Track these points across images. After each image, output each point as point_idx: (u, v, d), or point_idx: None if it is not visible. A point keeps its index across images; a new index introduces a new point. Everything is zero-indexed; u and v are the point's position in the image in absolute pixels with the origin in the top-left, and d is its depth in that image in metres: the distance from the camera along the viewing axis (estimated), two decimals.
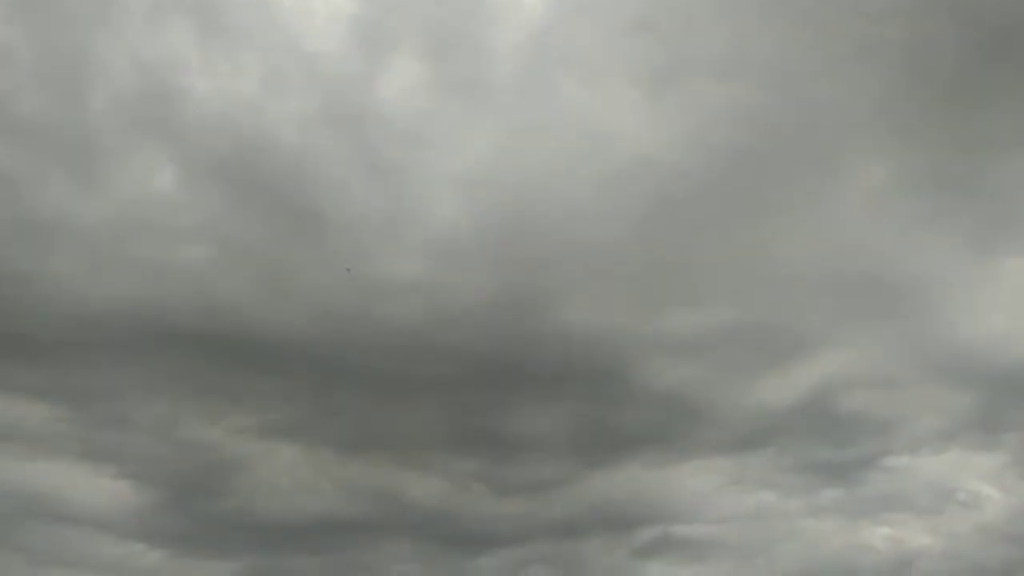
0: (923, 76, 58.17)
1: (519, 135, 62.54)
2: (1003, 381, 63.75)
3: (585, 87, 61.40)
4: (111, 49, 59.96)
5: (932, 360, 66.33)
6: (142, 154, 59.84)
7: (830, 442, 69.25)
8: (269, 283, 63.79)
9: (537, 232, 65.81)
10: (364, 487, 68.97)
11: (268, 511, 64.63)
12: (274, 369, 65.32)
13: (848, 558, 65.00)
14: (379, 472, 70.49)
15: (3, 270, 54.36)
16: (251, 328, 61.13)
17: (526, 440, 70.06)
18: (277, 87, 58.05)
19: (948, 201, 63.01)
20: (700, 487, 69.94)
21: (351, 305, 64.29)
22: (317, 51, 58.97)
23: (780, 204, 68.06)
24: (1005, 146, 56.87)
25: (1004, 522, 62.18)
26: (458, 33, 62.75)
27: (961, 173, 60.31)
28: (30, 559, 61.74)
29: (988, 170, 59.74)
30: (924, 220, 65.47)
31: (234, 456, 66.61)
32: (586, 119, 61.56)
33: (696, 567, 68.55)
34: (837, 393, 67.89)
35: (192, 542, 66.32)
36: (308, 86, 58.85)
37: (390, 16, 61.21)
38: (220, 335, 61.40)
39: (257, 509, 64.94)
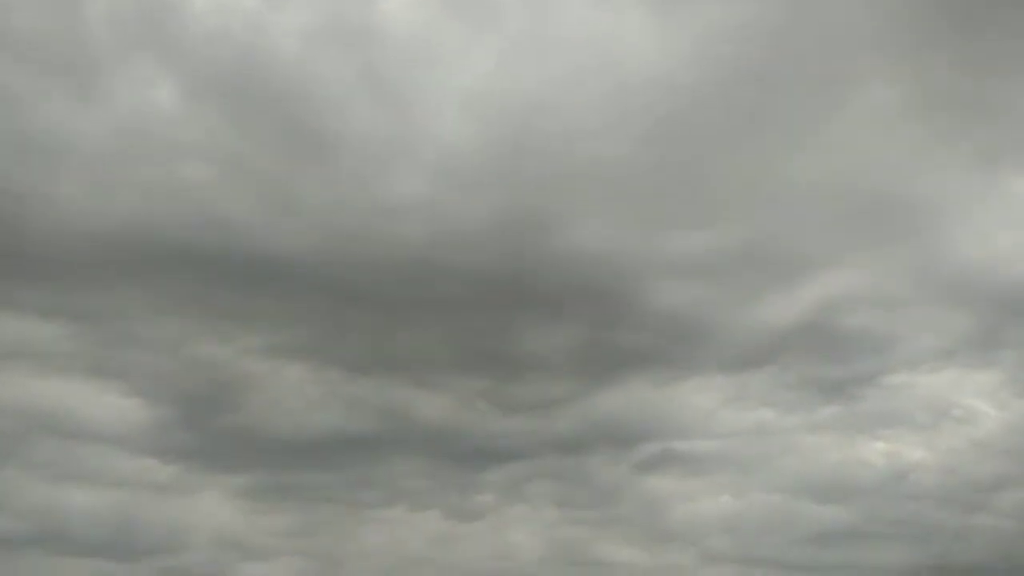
0: None
1: (525, 52, 61.46)
2: (1004, 300, 64.41)
3: (592, 3, 60.30)
4: None
5: (934, 279, 66.83)
6: (141, 69, 58.81)
7: (830, 360, 70.23)
8: (273, 202, 63.50)
9: (543, 151, 65.31)
10: (372, 405, 70.03)
11: (278, 428, 65.74)
12: (281, 290, 65.61)
13: (844, 472, 66.62)
14: (387, 391, 71.46)
15: (8, 189, 54.16)
16: (257, 248, 61.16)
17: (531, 359, 70.90)
18: (279, 1, 56.97)
19: (956, 121, 62.47)
20: (701, 404, 71.18)
21: (357, 225, 64.21)
22: None
23: (787, 123, 67.48)
24: (1014, 67, 56.22)
25: (998, 438, 63.65)
26: None
27: (969, 93, 59.72)
28: (43, 475, 62.98)
29: (997, 90, 59.13)
30: (931, 140, 65.02)
31: (243, 375, 67.39)
32: (593, 36, 60.54)
33: (696, 481, 70.25)
34: (839, 312, 68.56)
35: (204, 458, 67.60)
36: (310, 0, 57.79)
37: None
38: (225, 255, 61.46)
39: (267, 426, 66.04)
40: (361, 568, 64.81)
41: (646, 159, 59.40)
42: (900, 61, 60.61)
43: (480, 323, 65.74)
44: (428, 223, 59.36)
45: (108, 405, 63.16)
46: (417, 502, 71.06)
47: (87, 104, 59.31)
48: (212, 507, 66.48)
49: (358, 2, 57.15)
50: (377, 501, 67.96)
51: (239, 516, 67.35)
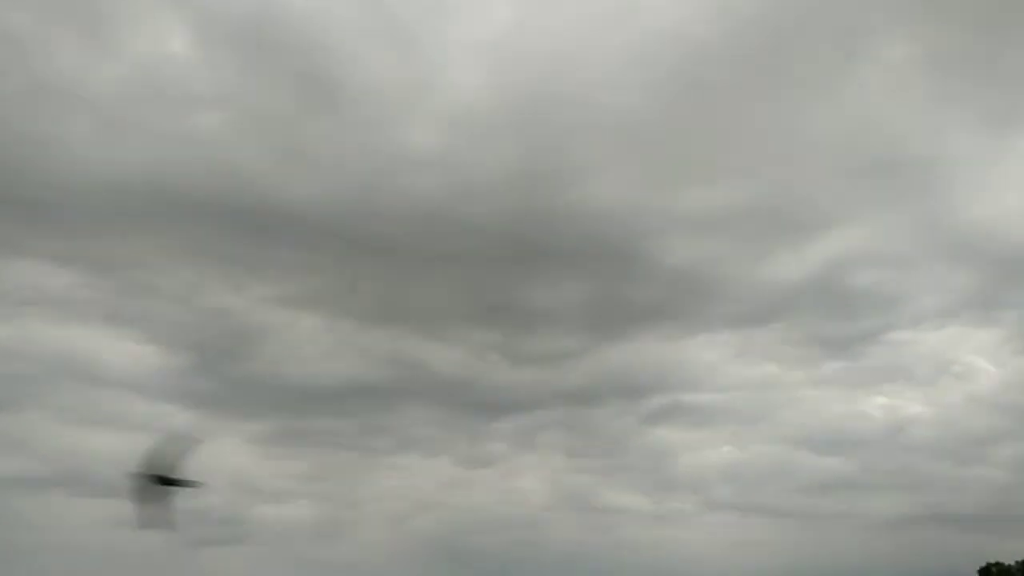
0: None
1: (542, 5, 61.16)
2: (1009, 260, 65.36)
3: None
4: None
5: (941, 238, 67.69)
6: (155, 18, 58.27)
7: (835, 317, 71.41)
8: (287, 152, 63.62)
9: (558, 105, 65.18)
10: (385, 355, 71.05)
11: (294, 376, 66.71)
12: (295, 240, 66.03)
13: (844, 425, 68.20)
14: (400, 341, 72.41)
15: (19, 134, 53.96)
16: (271, 198, 61.42)
17: (542, 313, 71.87)
18: None
19: (967, 81, 62.56)
20: (708, 359, 72.47)
21: (370, 176, 64.40)
22: None
23: (802, 80, 67.39)
24: None
25: (994, 394, 65.19)
26: None
27: (982, 54, 59.76)
28: (63, 418, 63.81)
29: (1009, 53, 59.13)
30: (943, 99, 65.18)
31: (258, 324, 68.12)
32: None
33: (701, 432, 71.83)
34: (846, 270, 69.52)
35: (221, 404, 68.52)
36: None
37: None
38: (240, 205, 61.72)
39: (283, 374, 66.98)
40: (374, 512, 66.09)
41: (661, 114, 59.54)
42: (914, 21, 60.26)
43: (492, 276, 66.36)
44: (442, 175, 59.56)
45: (125, 352, 63.67)
46: (429, 449, 72.15)
47: (100, 52, 58.49)
48: (229, 451, 67.19)
49: None
50: (390, 448, 69.07)
51: (255, 461, 68.17)
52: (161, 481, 17.49)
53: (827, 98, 72.26)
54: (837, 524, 68.80)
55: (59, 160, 62.51)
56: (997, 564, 31.85)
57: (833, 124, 67.74)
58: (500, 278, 71.38)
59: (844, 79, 70.52)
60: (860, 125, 67.19)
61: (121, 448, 64.94)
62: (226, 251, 70.17)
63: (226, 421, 76.32)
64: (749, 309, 71.58)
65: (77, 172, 62.88)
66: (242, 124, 61.35)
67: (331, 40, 65.60)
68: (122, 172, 63.50)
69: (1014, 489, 63.38)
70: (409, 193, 61.30)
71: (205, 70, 67.62)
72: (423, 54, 70.31)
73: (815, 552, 66.23)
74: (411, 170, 61.93)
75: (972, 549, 60.71)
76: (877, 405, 72.77)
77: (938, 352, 70.27)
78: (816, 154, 63.81)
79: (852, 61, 64.95)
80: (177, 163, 62.00)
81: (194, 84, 69.04)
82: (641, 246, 65.35)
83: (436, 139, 61.74)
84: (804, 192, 64.74)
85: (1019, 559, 31.80)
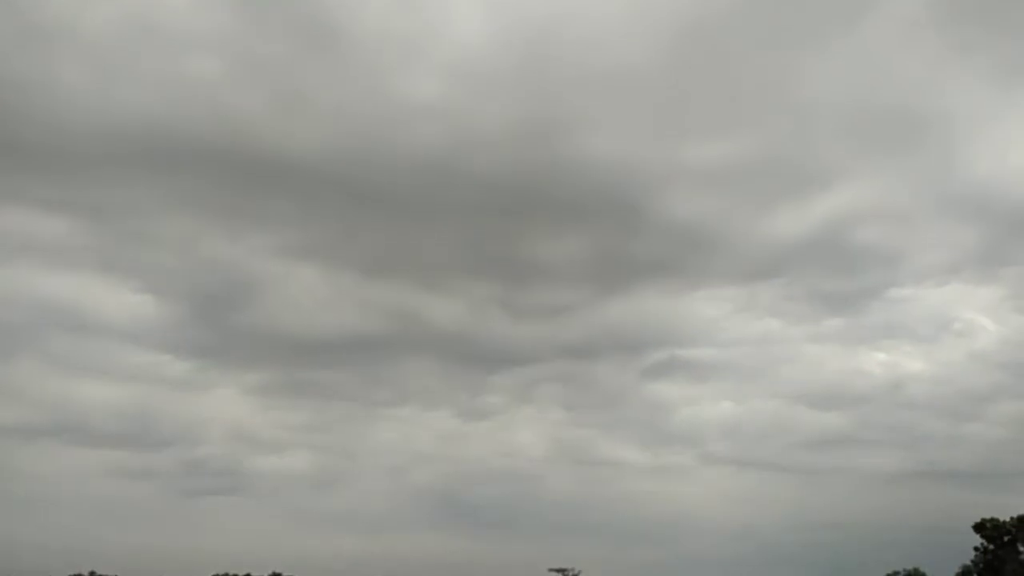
0: None
1: None
2: (1013, 217, 64.96)
3: None
4: None
5: (946, 194, 67.15)
6: None
7: (838, 273, 71.11)
8: (284, 100, 62.79)
9: (561, 56, 64.25)
10: (385, 307, 71.02)
11: (292, 328, 66.80)
12: (292, 189, 65.56)
13: (843, 381, 68.35)
14: (399, 293, 72.33)
15: (10, 79, 53.03)
16: (267, 146, 60.78)
17: (543, 266, 71.70)
18: None
19: (975, 35, 61.45)
20: (709, 314, 72.41)
21: (370, 127, 63.69)
22: None
23: (811, 32, 66.30)
24: None
25: (994, 351, 65.16)
26: None
27: (991, 7, 58.59)
28: (58, 367, 63.95)
29: (1017, 6, 57.91)
30: (950, 53, 64.15)
31: (256, 274, 67.99)
32: None
33: (700, 387, 72.00)
34: (850, 226, 69.09)
35: (217, 355, 68.81)
36: None
37: None
38: (236, 152, 61.14)
39: (281, 325, 67.08)
40: (373, 463, 66.51)
41: (665, 66, 58.64)
42: None
43: (493, 228, 65.99)
44: (442, 126, 58.84)
45: (120, 301, 63.47)
46: (428, 401, 72.37)
47: None
48: (226, 402, 67.53)
49: None
50: (389, 400, 69.30)
51: (253, 411, 68.48)
52: None
53: (833, 52, 71.19)
54: (834, 479, 69.38)
55: (52, 105, 61.66)
56: (992, 520, 31.77)
57: (842, 77, 66.85)
58: (501, 231, 71.06)
59: (851, 32, 69.45)
60: (866, 79, 66.31)
61: (117, 398, 65.26)
62: (223, 200, 69.70)
63: (223, 372, 76.62)
64: (751, 264, 71.36)
65: (70, 117, 62.08)
66: (238, 70, 60.46)
67: None
68: (116, 118, 62.72)
69: (1011, 446, 63.62)
70: (410, 144, 60.67)
71: (200, 13, 66.42)
72: (426, 2, 69.28)
73: (812, 507, 66.80)
74: (412, 120, 61.22)
75: (968, 505, 61.37)
76: (877, 361, 72.82)
77: (939, 309, 70.17)
78: (820, 108, 63.08)
79: (860, 14, 63.95)
80: (172, 109, 61.22)
81: (189, 27, 68.00)
82: (643, 200, 64.94)
83: (437, 89, 60.96)
84: (808, 146, 64.20)
85: (1015, 515, 31.90)
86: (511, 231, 67.07)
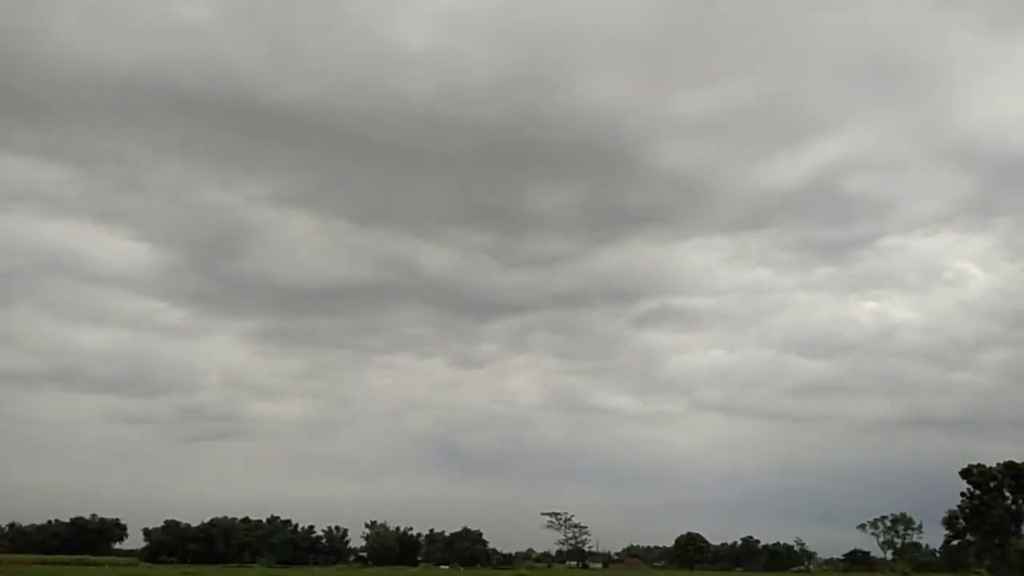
0: None
1: None
2: (1005, 166, 65.07)
3: None
4: None
5: (939, 142, 67.02)
6: None
7: (830, 222, 71.43)
8: (276, 48, 61.90)
9: (554, 4, 63.08)
10: (378, 256, 71.11)
11: (286, 276, 66.90)
12: (285, 137, 65.03)
13: (833, 330, 69.06)
14: (392, 242, 72.42)
15: (3, 27, 52.18)
16: (261, 94, 60.12)
17: (535, 216, 71.66)
18: None
19: None
20: (700, 263, 72.81)
21: (362, 75, 62.96)
22: None
23: None
24: None
25: (983, 300, 65.81)
26: None
27: None
28: (56, 314, 64.18)
29: None
30: (947, 2, 63.09)
31: (249, 222, 67.86)
32: None
33: (691, 336, 72.71)
34: (842, 174, 69.06)
35: (213, 302, 69.07)
36: None
37: None
38: (228, 100, 60.47)
39: (276, 273, 67.18)
40: (367, 410, 67.24)
41: (657, 14, 57.83)
42: None
43: (486, 178, 65.79)
44: (435, 75, 58.24)
45: (116, 249, 63.40)
46: (422, 350, 72.83)
47: None
48: (222, 349, 67.91)
49: None
50: (383, 347, 69.76)
51: (249, 358, 68.96)
52: None
53: (826, 0, 70.50)
54: (823, 426, 70.53)
55: (44, 53, 60.67)
56: (979, 466, 32.43)
57: (835, 24, 66.07)
58: (493, 180, 70.81)
59: None
60: (859, 26, 65.43)
61: (115, 345, 65.53)
62: (216, 147, 69.14)
63: (218, 319, 77.05)
64: (743, 213, 71.50)
65: (62, 66, 61.20)
66: (229, 17, 59.49)
67: None
68: (108, 66, 61.80)
69: (998, 394, 64.57)
70: (402, 92, 60.04)
71: None
72: None
73: (801, 453, 68.08)
74: (404, 69, 60.49)
75: (955, 452, 62.84)
76: (867, 310, 73.55)
77: (930, 258, 70.65)
78: (814, 57, 62.36)
79: None
80: (165, 57, 60.35)
81: None
82: (635, 148, 64.54)
83: (429, 38, 60.14)
84: (801, 95, 63.66)
85: (1000, 461, 32.58)
86: (503, 180, 66.92)
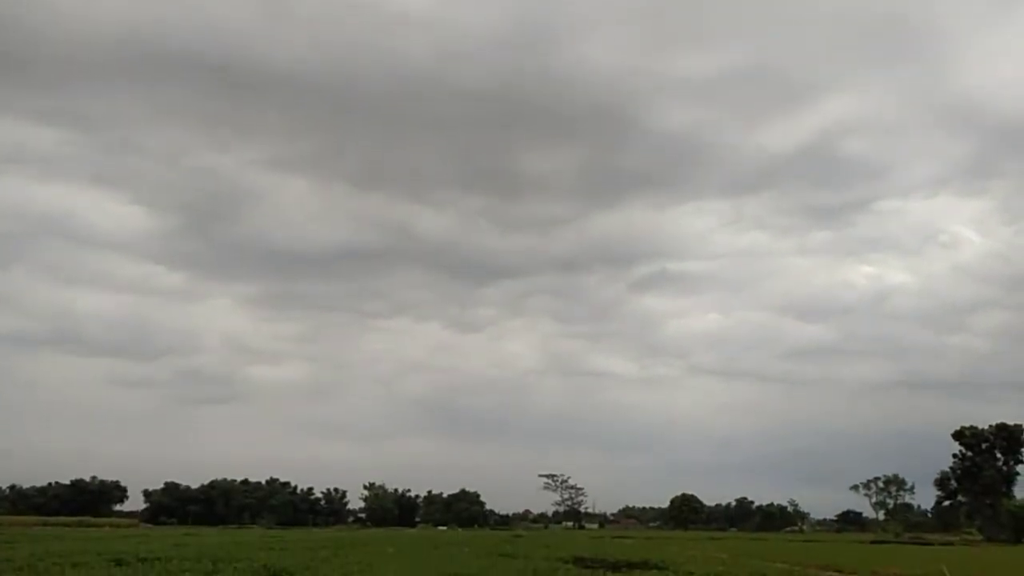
0: None
1: None
2: (1003, 128, 64.70)
3: None
4: None
5: (936, 105, 66.64)
6: None
7: (826, 186, 71.18)
8: (271, 8, 61.07)
9: None
10: (375, 220, 70.91)
11: (283, 239, 66.72)
12: (281, 100, 64.49)
13: (829, 293, 69.33)
14: (389, 206, 72.14)
15: None
16: (255, 56, 59.43)
17: (532, 179, 71.41)
18: None
19: None
20: (697, 227, 72.77)
21: (357, 36, 62.22)
22: None
23: None
24: None
25: (979, 264, 65.94)
26: None
27: None
28: (53, 277, 64.01)
29: None
30: None
31: (246, 186, 67.52)
32: None
33: (687, 300, 72.89)
34: (839, 137, 68.74)
35: (210, 266, 68.94)
36: None
37: None
38: (224, 62, 59.73)
39: (273, 237, 66.99)
40: (366, 373, 67.37)
41: None
42: None
43: (482, 141, 65.39)
44: (431, 36, 57.53)
45: (112, 212, 63.01)
46: (419, 314, 72.84)
47: None
48: (220, 314, 67.82)
49: None
50: (381, 311, 69.78)
51: (247, 323, 68.91)
52: None
53: None
54: (817, 389, 70.99)
55: (38, 15, 59.93)
56: (971, 428, 32.72)
57: None
58: (490, 143, 70.40)
59: None
60: None
61: (112, 308, 65.34)
62: (211, 110, 68.49)
63: (215, 283, 76.96)
64: (740, 177, 71.25)
65: (56, 27, 60.27)
66: None
67: None
68: (102, 27, 60.99)
69: (992, 357, 65.05)
70: (397, 54, 59.46)
71: None
72: None
73: (795, 416, 68.68)
74: (399, 30, 59.85)
75: (948, 414, 63.53)
76: (863, 274, 73.72)
77: (926, 221, 70.63)
78: (816, 16, 61.78)
79: None
80: (158, 18, 59.52)
81: None
82: (633, 111, 64.14)
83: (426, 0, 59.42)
84: (801, 56, 63.10)
85: (993, 423, 32.87)
86: (500, 143, 66.53)
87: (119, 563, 6.91)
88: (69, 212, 62.14)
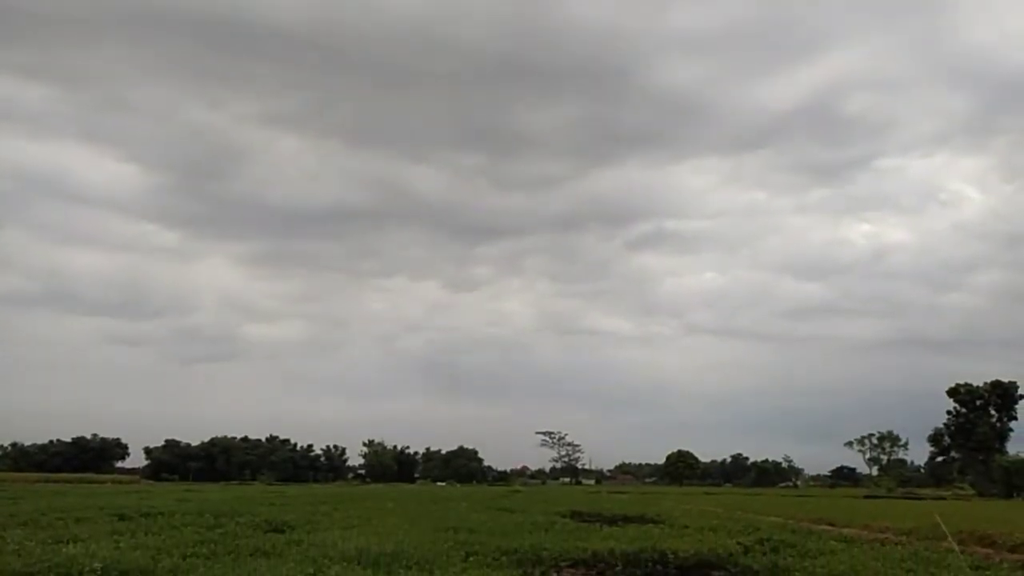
0: None
1: None
2: (1005, 85, 64.10)
3: None
4: None
5: (938, 61, 65.83)
6: None
7: (826, 143, 70.60)
8: None
9: None
10: (370, 178, 70.42)
11: (278, 198, 66.37)
12: (274, 54, 63.47)
13: (826, 252, 69.24)
14: (384, 164, 71.54)
15: None
16: (246, 10, 58.39)
17: (529, 137, 70.72)
18: None
19: None
20: (695, 185, 72.36)
21: None
22: None
23: None
24: None
25: (978, 222, 65.80)
26: None
27: None
28: (46, 236, 63.80)
29: None
30: None
31: (239, 143, 66.94)
32: None
33: (686, 258, 72.79)
34: (839, 94, 68.00)
35: (205, 225, 68.62)
36: None
37: None
38: (214, 16, 58.76)
39: (268, 195, 66.62)
40: (363, 332, 67.52)
41: None
42: None
43: (477, 98, 64.70)
44: None
45: (104, 170, 62.58)
46: (416, 273, 72.81)
47: None
48: (216, 272, 67.77)
49: None
50: (377, 270, 69.69)
51: (243, 281, 68.92)
52: None
53: None
54: (813, 347, 71.24)
55: None
56: (966, 385, 32.94)
57: None
58: (485, 100, 69.52)
59: None
60: None
61: (107, 268, 65.26)
62: (202, 66, 67.43)
63: (210, 242, 76.55)
64: (738, 134, 70.53)
65: None
66: None
67: None
68: None
69: (988, 315, 65.21)
70: (391, 9, 58.48)
71: None
72: None
73: (791, 374, 69.06)
74: None
75: (944, 372, 63.80)
76: (861, 232, 73.53)
77: (926, 179, 70.22)
78: None
79: None
80: None
81: None
82: (630, 67, 63.33)
83: None
84: (801, 11, 62.03)
85: (987, 380, 33.08)
86: (495, 100, 65.78)
87: (122, 518, 7.02)
88: (62, 170, 61.73)
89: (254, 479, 39.79)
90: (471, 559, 4.38)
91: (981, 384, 32.37)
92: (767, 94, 64.13)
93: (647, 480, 52.28)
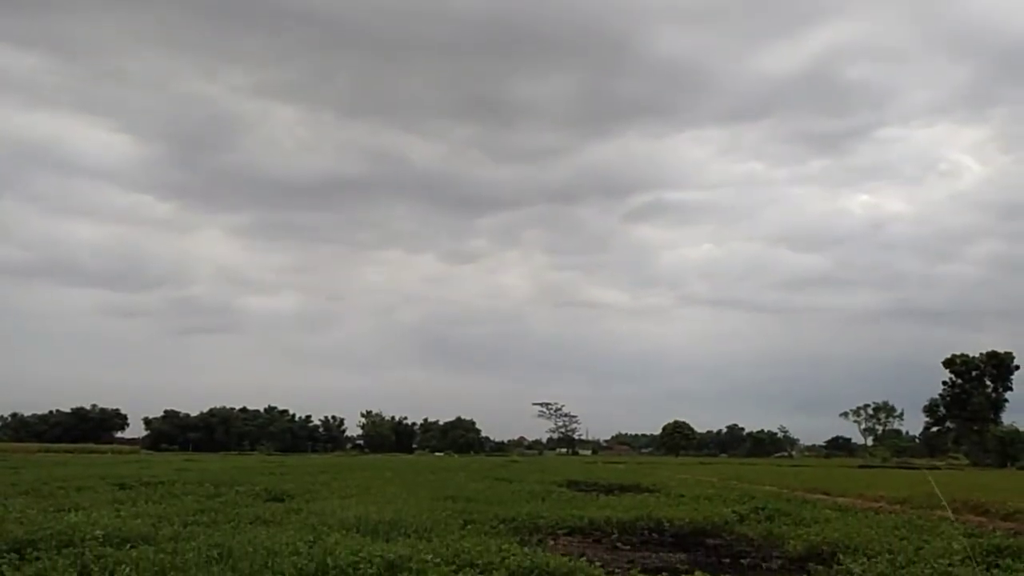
0: None
1: None
2: (1006, 55, 63.60)
3: None
4: None
5: (940, 30, 65.23)
6: None
7: (825, 113, 70.21)
8: None
9: None
10: (365, 149, 70.05)
11: (273, 169, 66.05)
12: (268, 24, 63.00)
13: (825, 222, 69.12)
14: (379, 135, 71.17)
15: None
16: None
17: (525, 107, 70.27)
18: None
19: None
20: (694, 156, 72.06)
21: None
22: None
23: None
24: None
25: (976, 192, 65.62)
26: None
27: None
28: (42, 207, 63.53)
29: None
30: None
31: (234, 114, 66.50)
32: None
33: (683, 230, 72.66)
34: (839, 63, 67.55)
35: (200, 196, 68.38)
36: None
37: None
38: None
39: (263, 166, 66.28)
40: (360, 304, 67.57)
41: None
42: None
43: (473, 68, 64.21)
44: None
45: (98, 141, 62.22)
46: (413, 245, 72.73)
47: None
48: (212, 243, 67.65)
49: None
50: (374, 242, 69.58)
51: (238, 253, 68.82)
52: None
53: None
54: (810, 318, 71.38)
55: None
56: (962, 355, 33.12)
57: None
58: (481, 70, 68.94)
59: None
60: None
61: (103, 239, 65.11)
62: (196, 35, 66.93)
63: (205, 213, 76.30)
64: (738, 104, 70.12)
65: None
66: None
67: None
68: None
69: (985, 285, 65.33)
70: None
71: None
72: None
73: (788, 345, 69.20)
74: None
75: (940, 342, 63.94)
76: (859, 203, 73.33)
77: (925, 149, 69.84)
78: None
79: None
80: None
81: None
82: (628, 35, 62.71)
83: None
84: None
85: (983, 351, 33.28)
86: (492, 69, 65.19)
87: (123, 487, 7.08)
88: (56, 140, 61.30)
89: (253, 449, 40.00)
90: (469, 527, 4.44)
91: (977, 355, 32.56)
92: (767, 64, 63.74)
93: (643, 450, 52.65)
